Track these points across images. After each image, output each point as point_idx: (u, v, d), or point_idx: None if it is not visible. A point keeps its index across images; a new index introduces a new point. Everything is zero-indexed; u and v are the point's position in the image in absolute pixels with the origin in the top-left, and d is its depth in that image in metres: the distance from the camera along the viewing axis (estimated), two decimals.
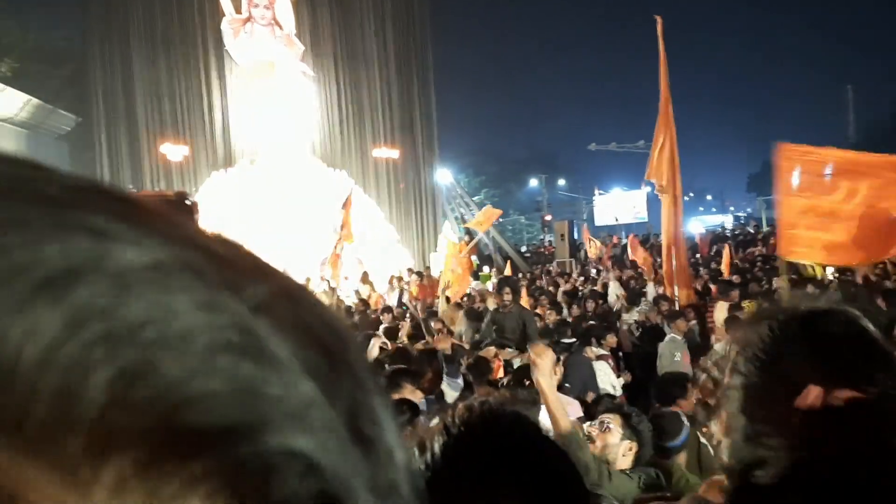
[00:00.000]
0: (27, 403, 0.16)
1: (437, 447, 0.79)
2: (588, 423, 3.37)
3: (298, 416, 0.19)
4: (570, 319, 9.05)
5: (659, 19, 7.50)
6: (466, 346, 7.05)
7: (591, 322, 8.55)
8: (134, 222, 0.20)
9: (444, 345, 6.49)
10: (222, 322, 0.19)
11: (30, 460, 0.16)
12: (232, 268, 0.21)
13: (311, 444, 0.19)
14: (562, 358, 5.25)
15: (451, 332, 7.85)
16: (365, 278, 14.98)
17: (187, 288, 0.19)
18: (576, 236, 23.35)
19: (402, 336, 8.17)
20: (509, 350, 6.56)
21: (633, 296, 10.87)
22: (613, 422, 3.09)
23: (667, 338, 7.16)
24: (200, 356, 0.18)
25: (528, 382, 3.80)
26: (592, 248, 17.63)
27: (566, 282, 14.06)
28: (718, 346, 4.79)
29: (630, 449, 3.08)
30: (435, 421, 0.83)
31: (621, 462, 3.06)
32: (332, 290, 12.02)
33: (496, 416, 0.85)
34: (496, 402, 0.88)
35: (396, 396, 4.14)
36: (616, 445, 3.05)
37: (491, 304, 8.60)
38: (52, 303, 0.17)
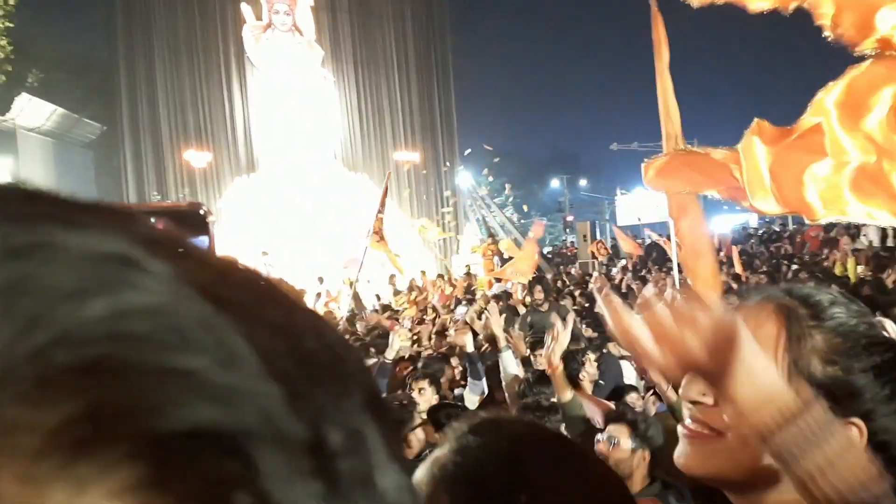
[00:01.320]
0: None
1: (451, 468, 0.74)
2: (598, 437, 3.25)
3: (229, 399, 0.19)
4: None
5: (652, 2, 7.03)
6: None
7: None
8: (90, 217, 0.20)
9: (461, 340, 5.27)
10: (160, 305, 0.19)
11: None
12: (205, 268, 0.21)
13: (243, 427, 0.19)
14: (594, 357, 5.16)
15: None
16: (391, 280, 15.01)
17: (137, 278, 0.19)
18: (598, 235, 23.10)
19: (424, 339, 8.10)
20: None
21: None
22: (621, 435, 3.00)
23: None
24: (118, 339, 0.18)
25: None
26: (626, 245, 16.86)
27: (587, 283, 13.92)
28: None
29: (644, 458, 2.99)
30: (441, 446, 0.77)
31: (637, 475, 2.97)
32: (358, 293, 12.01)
33: (515, 431, 0.79)
34: (501, 417, 0.82)
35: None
36: (627, 460, 2.95)
37: (519, 304, 8.52)
38: None
